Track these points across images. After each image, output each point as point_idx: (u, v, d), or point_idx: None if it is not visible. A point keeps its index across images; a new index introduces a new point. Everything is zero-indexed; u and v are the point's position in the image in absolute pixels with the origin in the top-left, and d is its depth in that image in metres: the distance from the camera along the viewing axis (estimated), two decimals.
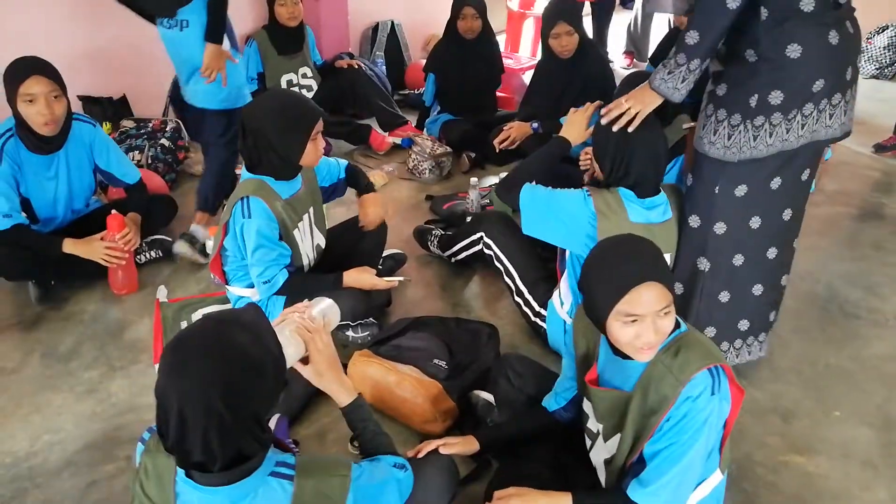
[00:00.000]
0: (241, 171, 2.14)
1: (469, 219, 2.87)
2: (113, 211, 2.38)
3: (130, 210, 2.51)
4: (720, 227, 1.92)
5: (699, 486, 1.38)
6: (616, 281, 1.28)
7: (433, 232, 2.75)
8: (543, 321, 2.22)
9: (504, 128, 3.18)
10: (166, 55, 3.64)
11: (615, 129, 1.85)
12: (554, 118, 3.11)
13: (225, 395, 1.02)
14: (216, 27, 2.52)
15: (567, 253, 2.07)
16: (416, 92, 4.47)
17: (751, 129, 1.78)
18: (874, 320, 2.50)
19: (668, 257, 2.00)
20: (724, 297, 2.03)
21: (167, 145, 3.26)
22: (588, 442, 1.53)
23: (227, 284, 2.25)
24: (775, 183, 1.89)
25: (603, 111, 1.88)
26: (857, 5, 1.78)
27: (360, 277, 2.16)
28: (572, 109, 2.22)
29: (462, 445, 1.65)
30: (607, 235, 1.87)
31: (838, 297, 2.61)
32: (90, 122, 2.48)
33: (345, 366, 1.87)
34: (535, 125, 3.13)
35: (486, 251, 2.39)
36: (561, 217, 1.96)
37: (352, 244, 2.40)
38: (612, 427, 1.42)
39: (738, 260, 1.99)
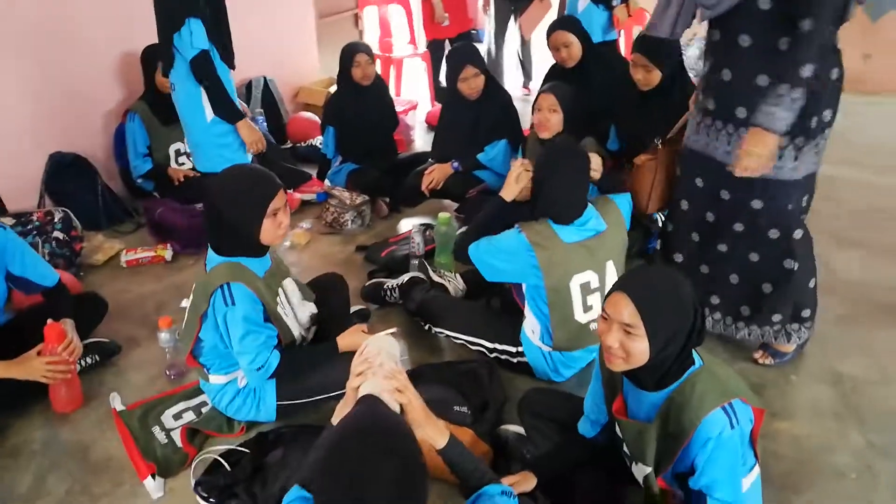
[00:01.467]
0: (208, 253, 2.01)
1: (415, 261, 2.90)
2: (49, 320, 2.10)
3: (61, 315, 2.19)
4: (798, 233, 2.18)
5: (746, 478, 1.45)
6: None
7: (385, 286, 2.73)
8: (524, 357, 2.28)
9: (425, 172, 3.26)
10: (32, 145, 3.30)
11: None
12: (469, 155, 3.25)
13: None
14: (218, 104, 2.63)
15: (524, 285, 2.19)
16: (301, 145, 4.40)
17: (813, 147, 2.05)
18: None
19: (611, 265, 2.16)
20: (812, 283, 2.29)
21: (61, 238, 2.92)
22: (627, 462, 1.63)
23: (208, 373, 2.08)
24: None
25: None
26: None
27: (354, 339, 2.08)
28: (515, 165, 2.30)
29: (523, 483, 1.68)
30: (548, 261, 2.06)
31: None
32: None
33: None
34: (456, 164, 3.24)
35: (441, 335, 2.44)
36: (504, 259, 2.14)
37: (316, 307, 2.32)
38: (636, 453, 1.53)
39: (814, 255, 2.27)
